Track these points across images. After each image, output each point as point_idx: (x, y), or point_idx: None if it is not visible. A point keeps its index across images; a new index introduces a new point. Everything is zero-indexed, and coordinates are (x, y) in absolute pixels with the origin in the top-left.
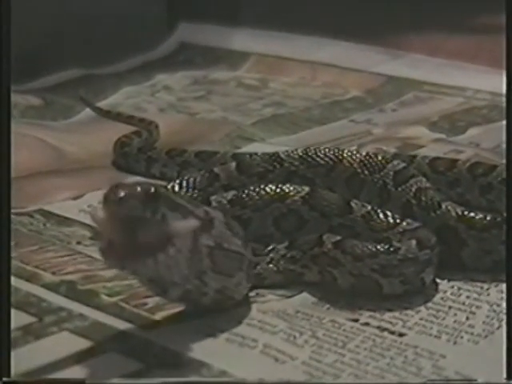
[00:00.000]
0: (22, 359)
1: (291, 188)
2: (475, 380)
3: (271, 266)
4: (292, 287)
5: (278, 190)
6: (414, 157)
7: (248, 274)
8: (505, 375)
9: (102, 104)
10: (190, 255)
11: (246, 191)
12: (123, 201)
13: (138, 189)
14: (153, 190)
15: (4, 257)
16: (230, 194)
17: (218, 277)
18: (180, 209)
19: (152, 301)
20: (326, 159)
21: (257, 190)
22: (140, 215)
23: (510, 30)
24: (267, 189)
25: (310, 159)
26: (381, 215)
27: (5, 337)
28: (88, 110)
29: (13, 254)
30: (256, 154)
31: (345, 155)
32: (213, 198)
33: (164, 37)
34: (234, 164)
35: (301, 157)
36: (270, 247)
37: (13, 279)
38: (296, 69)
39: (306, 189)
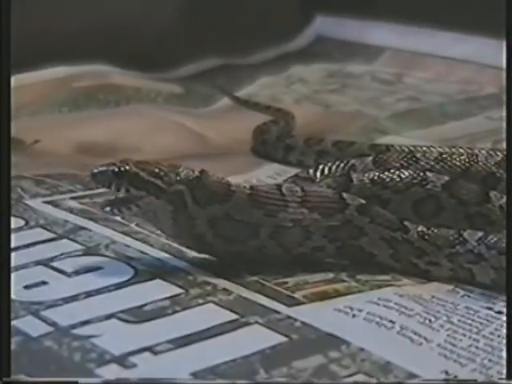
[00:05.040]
0: (170, 328)
1: (432, 175)
2: (475, 380)
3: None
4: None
5: (419, 176)
6: None
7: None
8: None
9: (239, 94)
10: (171, 216)
11: (388, 173)
12: (94, 177)
13: (110, 168)
14: (122, 169)
15: (4, 257)
16: (372, 174)
17: (224, 242)
18: (147, 187)
19: (292, 280)
20: (462, 160)
21: (397, 172)
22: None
23: (510, 30)
24: (408, 173)
25: (445, 160)
26: None
27: (5, 337)
28: (226, 99)
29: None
30: (392, 145)
31: (480, 157)
32: (354, 175)
33: (301, 30)
34: (370, 158)
35: (436, 158)
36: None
37: (159, 253)
38: (431, 64)
39: (446, 177)
